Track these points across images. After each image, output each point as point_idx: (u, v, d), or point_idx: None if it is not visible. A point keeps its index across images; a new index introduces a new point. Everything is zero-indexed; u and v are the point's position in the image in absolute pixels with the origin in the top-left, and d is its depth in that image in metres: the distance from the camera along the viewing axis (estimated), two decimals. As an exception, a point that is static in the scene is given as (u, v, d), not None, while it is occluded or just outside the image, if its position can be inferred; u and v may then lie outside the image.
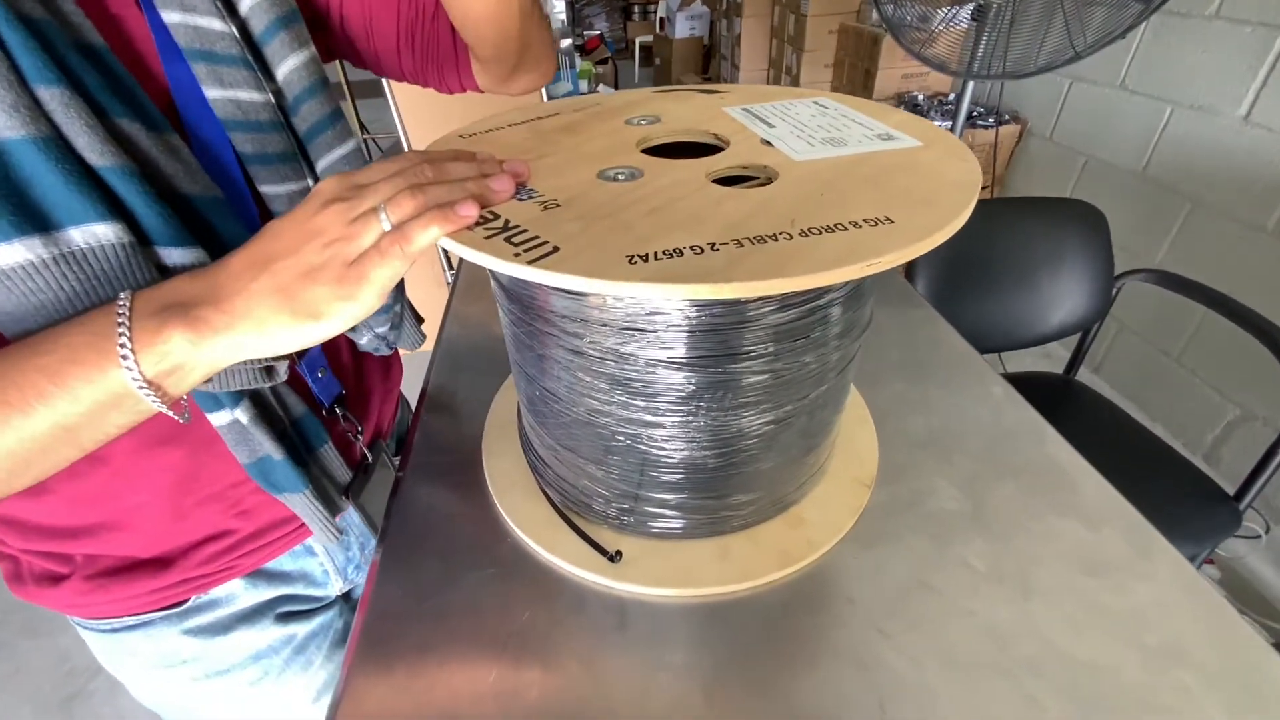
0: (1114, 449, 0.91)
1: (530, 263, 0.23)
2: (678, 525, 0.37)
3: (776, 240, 0.24)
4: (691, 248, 0.23)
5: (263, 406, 0.35)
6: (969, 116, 1.87)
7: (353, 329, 0.42)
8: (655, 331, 0.28)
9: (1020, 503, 0.41)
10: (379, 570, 0.38)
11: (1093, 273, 0.97)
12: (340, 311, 0.25)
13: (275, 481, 0.37)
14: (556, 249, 0.24)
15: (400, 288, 0.43)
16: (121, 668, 0.43)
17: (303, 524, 0.42)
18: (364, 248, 0.25)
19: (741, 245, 0.24)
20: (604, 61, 3.53)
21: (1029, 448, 0.45)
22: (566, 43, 2.30)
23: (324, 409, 0.41)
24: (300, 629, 0.48)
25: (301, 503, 0.38)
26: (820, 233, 0.24)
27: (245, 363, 0.30)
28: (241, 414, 0.34)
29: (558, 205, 0.27)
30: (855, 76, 2.28)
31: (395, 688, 0.32)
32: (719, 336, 0.28)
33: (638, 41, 4.51)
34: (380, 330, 0.43)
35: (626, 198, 0.28)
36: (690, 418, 0.31)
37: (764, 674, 0.32)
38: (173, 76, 0.31)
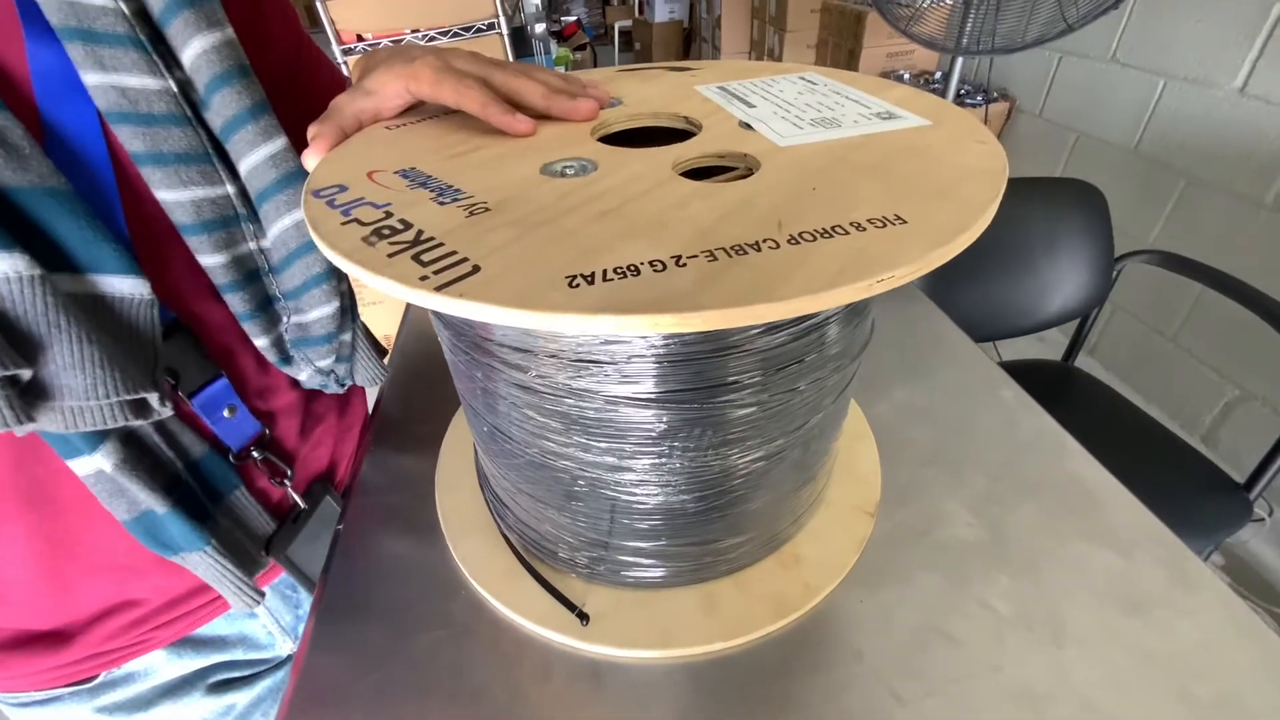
0: (1121, 440, 0.87)
1: (440, 288, 0.18)
2: (656, 575, 0.32)
3: (759, 250, 0.19)
4: (651, 263, 0.18)
5: (139, 450, 0.29)
6: (957, 95, 1.82)
7: (288, 362, 0.36)
8: (614, 364, 0.22)
9: (1043, 527, 0.36)
10: (311, 639, 0.33)
11: (1092, 255, 0.93)
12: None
13: (165, 540, 0.31)
14: (476, 269, 0.18)
15: (351, 314, 0.37)
16: None
17: None
18: None
19: (715, 258, 0.18)
20: (582, 47, 3.44)
21: (1047, 461, 0.40)
22: (541, 28, 2.22)
23: (231, 454, 0.35)
24: (240, 697, 0.42)
25: (204, 563, 0.32)
26: (815, 238, 0.19)
27: (89, 396, 0.24)
28: (104, 460, 0.28)
29: (487, 209, 0.22)
30: (839, 56, 2.22)
31: (325, 787, 0.27)
32: (694, 368, 0.23)
33: (616, 26, 4.41)
34: (321, 364, 0.37)
35: (573, 198, 0.22)
36: (663, 459, 0.26)
37: (760, 754, 0.27)
38: (37, 56, 0.26)
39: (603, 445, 0.26)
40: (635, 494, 0.28)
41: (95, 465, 0.27)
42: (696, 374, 0.23)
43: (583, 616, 0.31)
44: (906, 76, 2.00)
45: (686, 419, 0.24)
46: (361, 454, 0.44)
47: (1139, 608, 0.32)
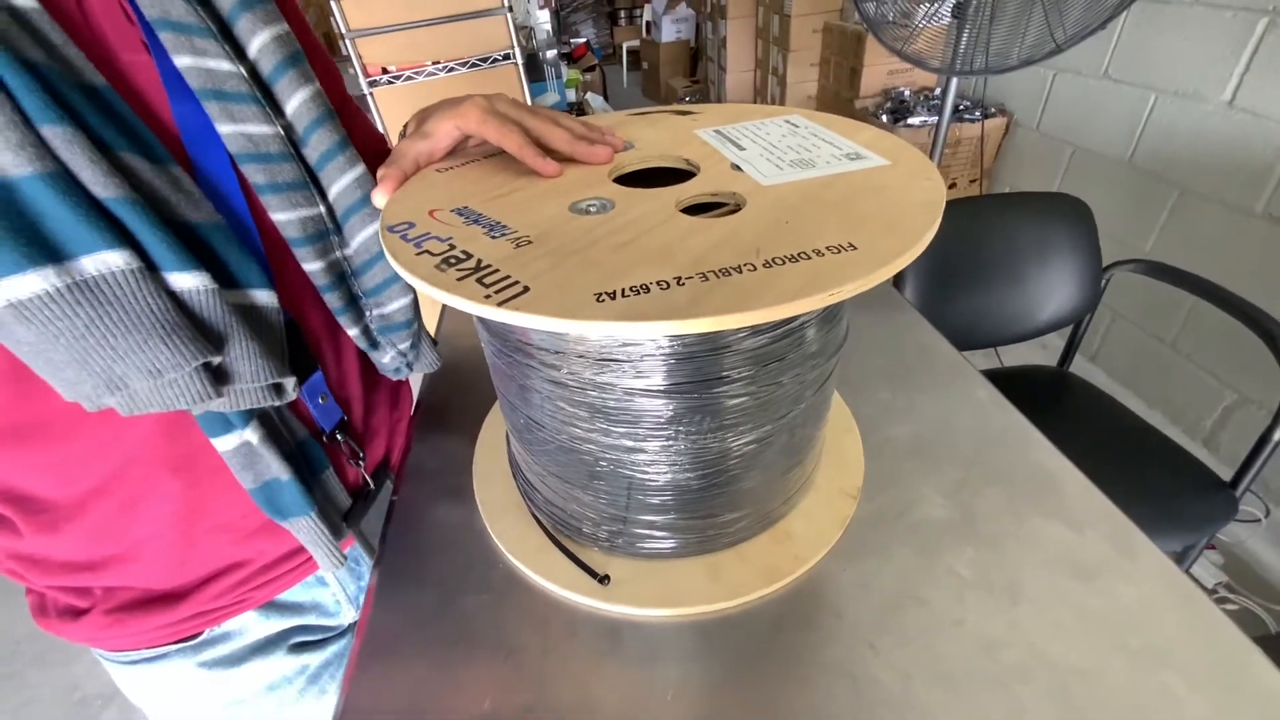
0: (1109, 441, 0.91)
1: (501, 304, 0.23)
2: (667, 545, 0.38)
3: (741, 272, 0.24)
4: (658, 283, 0.24)
5: (271, 426, 0.36)
6: (955, 110, 1.88)
7: (375, 347, 0.43)
8: (631, 362, 0.28)
9: (1007, 508, 0.41)
10: (375, 597, 0.39)
11: (1080, 265, 0.97)
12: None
13: (281, 506, 0.37)
14: (527, 289, 0.24)
15: (416, 306, 0.44)
16: (142, 698, 0.44)
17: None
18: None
19: (707, 279, 0.24)
20: (591, 69, 3.54)
21: (1015, 451, 0.45)
22: (553, 54, 2.31)
23: (324, 435, 0.42)
24: (314, 659, 0.48)
25: (306, 527, 0.39)
26: (784, 262, 0.25)
27: (254, 380, 0.31)
28: (251, 434, 0.34)
29: (529, 242, 0.28)
30: (841, 75, 2.29)
31: (393, 714, 0.33)
32: (695, 364, 0.28)
33: (625, 47, 4.52)
34: (403, 347, 0.44)
35: (597, 231, 0.28)
36: (671, 442, 0.32)
37: (757, 693, 0.33)
38: (179, 114, 0.32)
39: (621, 430, 0.31)
40: (648, 472, 0.33)
41: (244, 438, 0.34)
42: (697, 369, 0.28)
43: (604, 579, 0.37)
44: (907, 94, 2.06)
45: (689, 406, 0.30)
46: (409, 444, 0.50)
47: (1086, 573, 0.37)
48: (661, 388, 0.29)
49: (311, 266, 0.37)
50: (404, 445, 0.53)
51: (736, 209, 0.30)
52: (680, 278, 0.24)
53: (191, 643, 0.42)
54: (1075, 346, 1.06)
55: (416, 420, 0.52)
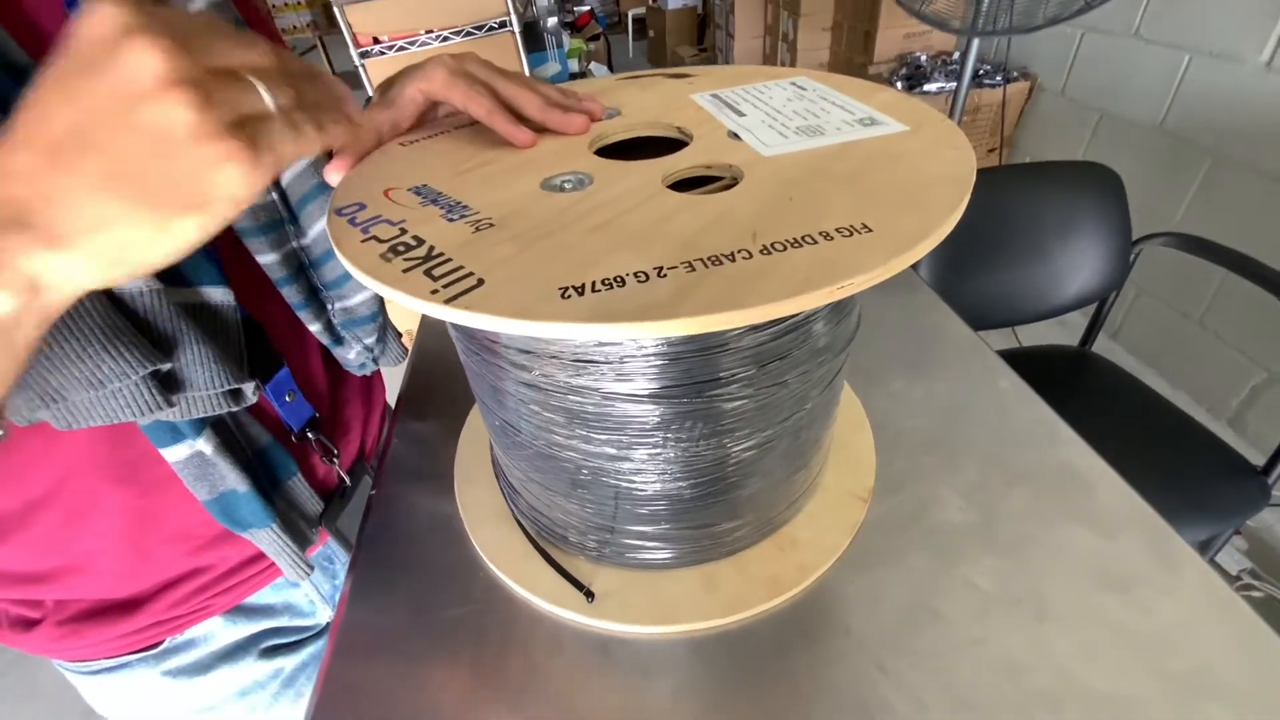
0: (1134, 425, 0.87)
1: (449, 300, 0.20)
2: (659, 556, 0.34)
3: (734, 260, 0.21)
4: (636, 274, 0.20)
5: (226, 434, 0.33)
6: (975, 75, 1.79)
7: (339, 343, 0.39)
8: (610, 364, 0.25)
9: (1031, 511, 0.37)
10: (348, 606, 0.36)
11: (1108, 239, 0.92)
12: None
13: (239, 518, 0.35)
14: (481, 282, 0.21)
15: (380, 299, 0.41)
16: (107, 708, 0.43)
17: None
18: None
19: (693, 269, 0.20)
20: (596, 38, 3.43)
21: (1041, 449, 0.41)
22: (554, 22, 2.22)
23: (293, 434, 0.39)
24: (288, 662, 0.46)
25: (268, 538, 0.36)
26: (785, 248, 0.21)
27: (207, 387, 0.29)
28: (204, 444, 0.32)
29: (491, 225, 0.24)
30: (855, 39, 2.19)
31: (360, 746, 0.30)
32: (684, 365, 0.25)
33: (630, 15, 4.38)
34: (369, 341, 0.41)
35: (571, 212, 0.25)
36: (660, 450, 0.28)
37: (759, 716, 0.30)
38: None
39: (603, 437, 0.28)
40: (635, 482, 0.30)
41: (195, 449, 0.32)
42: (686, 372, 0.25)
43: (589, 594, 0.34)
44: (924, 59, 1.97)
45: (679, 412, 0.26)
46: (388, 442, 0.47)
47: (1119, 586, 0.33)
48: (647, 392, 0.26)
49: (267, 258, 0.34)
50: (379, 439, 0.50)
51: (733, 183, 0.26)
52: (662, 268, 0.20)
53: (153, 651, 0.40)
54: (1099, 325, 1.01)
55: (399, 414, 0.49)
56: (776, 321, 0.25)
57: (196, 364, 0.29)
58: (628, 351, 0.24)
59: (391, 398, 0.53)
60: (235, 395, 0.31)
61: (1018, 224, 0.91)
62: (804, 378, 0.28)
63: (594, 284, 0.20)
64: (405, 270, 0.22)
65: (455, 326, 0.29)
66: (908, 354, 0.50)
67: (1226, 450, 0.83)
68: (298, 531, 0.39)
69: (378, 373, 0.52)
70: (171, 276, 0.28)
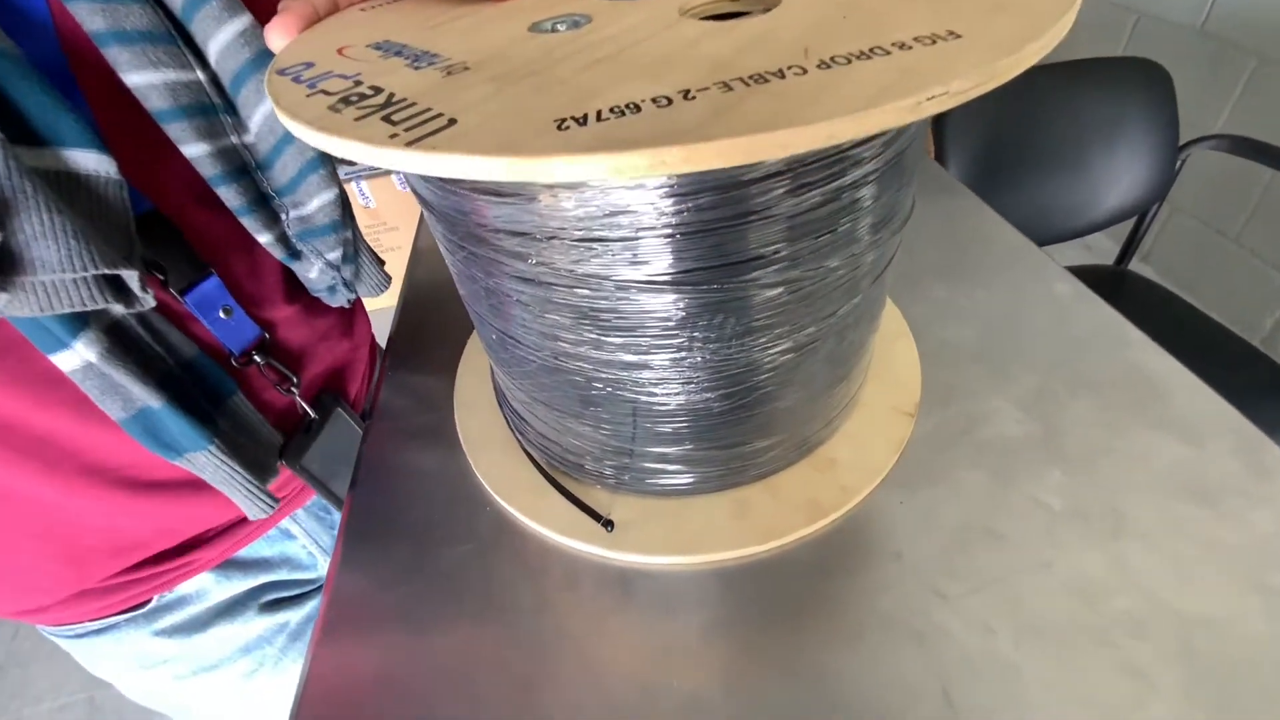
0: (1179, 343, 0.81)
1: (410, 144, 0.15)
2: (683, 481, 0.31)
3: (784, 77, 0.16)
4: (655, 99, 0.15)
5: (125, 343, 0.28)
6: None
7: (297, 258, 0.35)
8: (622, 240, 0.20)
9: (1101, 420, 0.33)
10: (342, 554, 0.33)
11: (1154, 144, 0.84)
12: None
13: (167, 440, 0.30)
14: (453, 122, 0.16)
15: (344, 205, 0.35)
16: (101, 669, 0.40)
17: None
18: None
19: (730, 88, 0.15)
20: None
21: (1107, 354, 0.37)
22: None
23: (233, 357, 0.34)
24: (293, 615, 0.44)
25: (210, 464, 0.32)
26: (849, 61, 0.16)
27: (63, 268, 0.23)
28: (88, 349, 0.26)
29: (465, 69, 0.19)
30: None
31: (363, 688, 0.28)
32: (711, 240, 0.20)
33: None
34: (331, 256, 0.36)
35: (563, 49, 0.19)
36: (684, 354, 0.24)
37: (796, 655, 0.27)
38: None
39: (617, 341, 0.24)
40: (656, 394, 0.26)
41: (81, 357, 0.26)
42: (714, 248, 0.20)
43: (607, 524, 0.31)
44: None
45: (706, 304, 0.22)
46: (380, 377, 0.43)
47: (1209, 497, 0.29)
48: (667, 277, 0.21)
49: (194, 150, 0.28)
50: (366, 374, 0.46)
51: (766, 11, 0.21)
52: (689, 91, 0.16)
53: (141, 611, 0.37)
54: (1137, 241, 0.95)
55: (389, 358, 0.45)
56: (825, 177, 0.20)
57: (45, 238, 0.22)
58: (645, 222, 0.19)
59: (382, 339, 0.49)
60: (119, 290, 0.25)
61: (1055, 129, 0.83)
62: (852, 262, 0.24)
63: (600, 113, 0.15)
64: (358, 119, 0.17)
65: (435, 214, 0.25)
66: (949, 259, 0.45)
67: (1276, 368, 0.79)
68: (250, 458, 0.34)
69: (359, 305, 0.47)
70: (18, 131, 0.22)
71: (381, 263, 0.43)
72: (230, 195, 0.30)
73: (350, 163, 0.32)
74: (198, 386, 0.32)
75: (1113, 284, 0.94)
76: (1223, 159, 1.32)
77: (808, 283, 0.23)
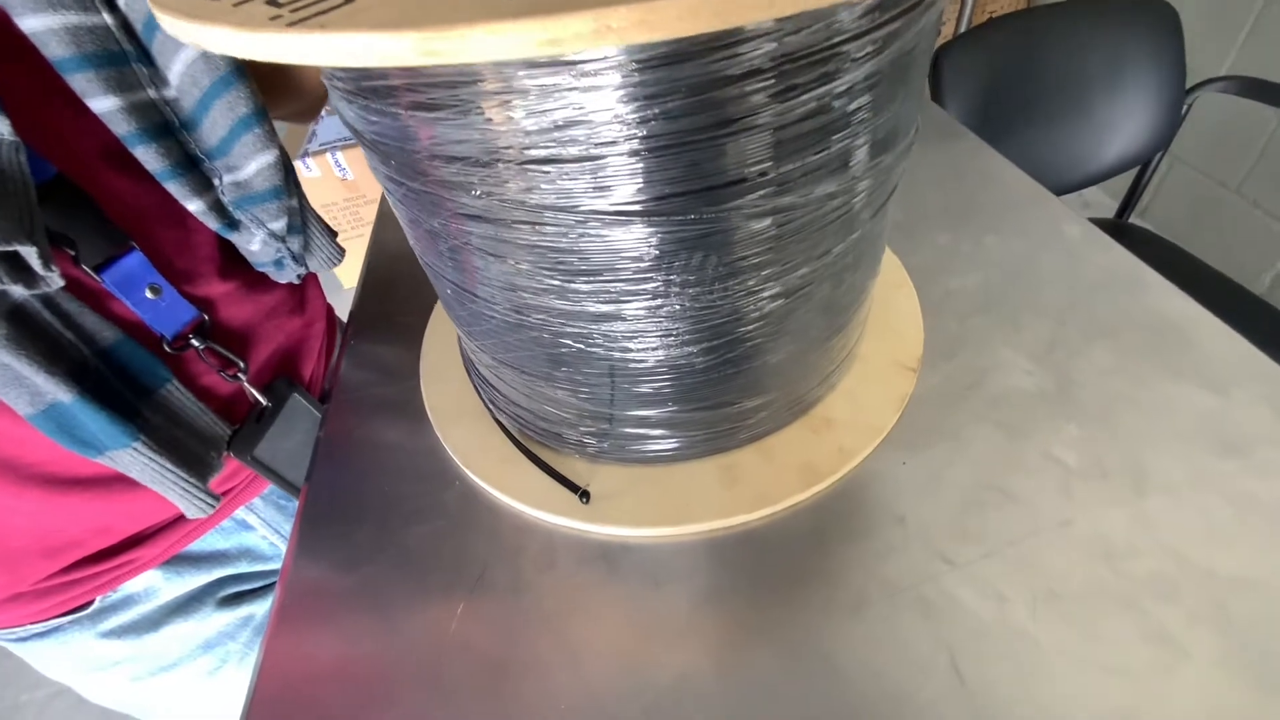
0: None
1: (293, 24, 0.12)
2: (667, 447, 0.28)
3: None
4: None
5: (32, 330, 0.25)
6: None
7: (234, 228, 0.31)
8: (579, 160, 0.17)
9: (1119, 369, 0.31)
10: (299, 537, 0.30)
11: (1160, 87, 0.81)
12: None
13: (84, 437, 0.27)
14: (348, 1, 0.13)
15: (286, 169, 0.31)
16: (53, 672, 0.37)
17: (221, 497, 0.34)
18: None
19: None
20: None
21: (1123, 298, 0.34)
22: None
23: (166, 342, 0.31)
24: (257, 608, 0.41)
25: (136, 463, 0.28)
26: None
27: None
28: None
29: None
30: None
31: (322, 680, 0.25)
32: (685, 158, 0.17)
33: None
34: (274, 226, 0.32)
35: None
36: (660, 301, 0.21)
37: (792, 628, 0.24)
38: None
39: (583, 288, 0.21)
40: (631, 350, 0.23)
41: None
42: (690, 169, 0.17)
43: (583, 494, 0.28)
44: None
45: (683, 239, 0.19)
46: (342, 351, 0.40)
47: (1239, 449, 0.27)
48: (636, 206, 0.18)
49: (103, 105, 0.25)
50: (324, 360, 0.42)
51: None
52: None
53: (84, 612, 0.34)
54: (1139, 191, 0.92)
55: (352, 328, 0.42)
56: (816, 79, 0.17)
57: None
58: (606, 136, 0.16)
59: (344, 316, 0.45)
60: (18, 269, 0.22)
61: (1056, 73, 0.79)
62: (848, 189, 0.21)
63: (534, -23, 0.12)
64: (238, 3, 0.14)
65: (379, 158, 0.21)
66: (951, 204, 0.42)
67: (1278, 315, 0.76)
68: (185, 453, 0.31)
69: (313, 281, 0.43)
70: None
71: (333, 234, 0.39)
72: (150, 157, 0.27)
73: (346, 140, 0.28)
74: (119, 377, 0.28)
75: (1114, 237, 0.90)
76: (1225, 107, 1.28)
77: (799, 214, 0.20)
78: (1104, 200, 1.57)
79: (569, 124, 0.16)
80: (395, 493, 0.31)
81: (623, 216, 0.18)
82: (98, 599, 0.34)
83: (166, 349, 0.31)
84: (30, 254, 0.22)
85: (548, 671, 0.24)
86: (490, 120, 0.16)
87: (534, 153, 0.17)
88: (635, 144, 0.16)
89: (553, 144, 0.16)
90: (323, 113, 1.61)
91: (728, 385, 0.26)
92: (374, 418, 0.36)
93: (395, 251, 0.47)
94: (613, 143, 0.16)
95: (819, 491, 0.28)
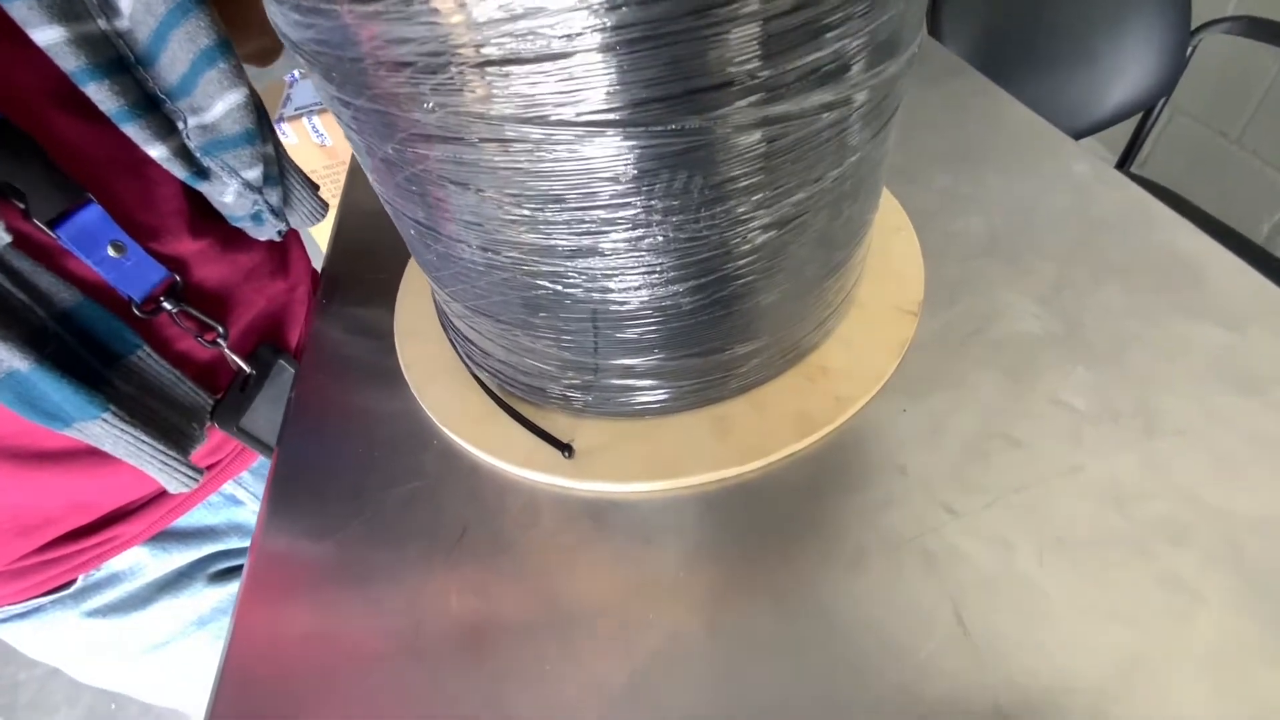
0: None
1: None
2: (655, 398, 0.27)
3: None
4: None
5: None
6: None
7: (204, 177, 0.29)
8: (542, 59, 0.15)
9: (1129, 309, 0.29)
10: (269, 505, 0.29)
11: (1165, 27, 0.77)
12: None
13: (47, 408, 0.25)
14: None
15: (259, 113, 0.29)
16: (40, 654, 0.36)
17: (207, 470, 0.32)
18: None
19: None
20: None
21: (1133, 236, 0.32)
22: None
23: (135, 305, 0.29)
24: None
25: (108, 435, 0.26)
26: None
27: None
28: None
29: None
30: None
31: (295, 650, 0.24)
32: (664, 55, 0.15)
33: None
34: (249, 176, 0.30)
35: None
36: (641, 231, 0.19)
37: (787, 583, 0.23)
38: None
39: (556, 218, 0.19)
40: (612, 291, 0.21)
41: None
42: (669, 68, 0.15)
43: (565, 449, 0.26)
44: None
45: (663, 154, 0.17)
46: (313, 308, 0.38)
47: (1254, 387, 0.26)
48: (610, 115, 0.16)
49: (46, 36, 0.22)
50: (304, 325, 0.40)
51: None
52: None
53: (67, 592, 0.33)
54: (1142, 139, 0.89)
55: (324, 285, 0.40)
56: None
57: None
58: (570, 25, 0.14)
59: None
60: None
61: (1059, 14, 0.76)
62: (846, 99, 0.19)
63: None
64: None
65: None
66: (953, 144, 0.40)
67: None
68: (163, 426, 0.29)
69: (294, 238, 0.41)
70: None
71: (315, 186, 0.36)
72: (103, 96, 0.24)
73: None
74: (83, 342, 0.26)
75: (1114, 188, 0.88)
76: (1226, 53, 1.24)
77: (792, 127, 0.18)
78: (1102, 153, 1.54)
79: (527, 13, 0.14)
80: (370, 455, 0.30)
81: (595, 128, 0.16)
82: (80, 578, 0.33)
83: (136, 312, 0.28)
84: None
85: (531, 635, 0.23)
86: (436, 10, 0.14)
87: (489, 51, 0.15)
88: (604, 37, 0.14)
89: (509, 38, 0.14)
90: (296, 72, 1.54)
91: (717, 329, 0.24)
92: (347, 378, 0.34)
93: (368, 208, 0.45)
94: (578, 35, 0.14)
95: (815, 442, 0.27)
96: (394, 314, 0.36)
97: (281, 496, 0.29)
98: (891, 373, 0.28)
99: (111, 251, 0.27)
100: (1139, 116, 0.87)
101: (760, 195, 0.19)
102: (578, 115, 0.16)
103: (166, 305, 0.30)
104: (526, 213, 0.19)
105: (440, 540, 0.26)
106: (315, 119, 1.55)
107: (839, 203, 0.22)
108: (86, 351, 0.26)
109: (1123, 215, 0.33)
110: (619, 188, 0.18)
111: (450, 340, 0.32)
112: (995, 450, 0.25)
